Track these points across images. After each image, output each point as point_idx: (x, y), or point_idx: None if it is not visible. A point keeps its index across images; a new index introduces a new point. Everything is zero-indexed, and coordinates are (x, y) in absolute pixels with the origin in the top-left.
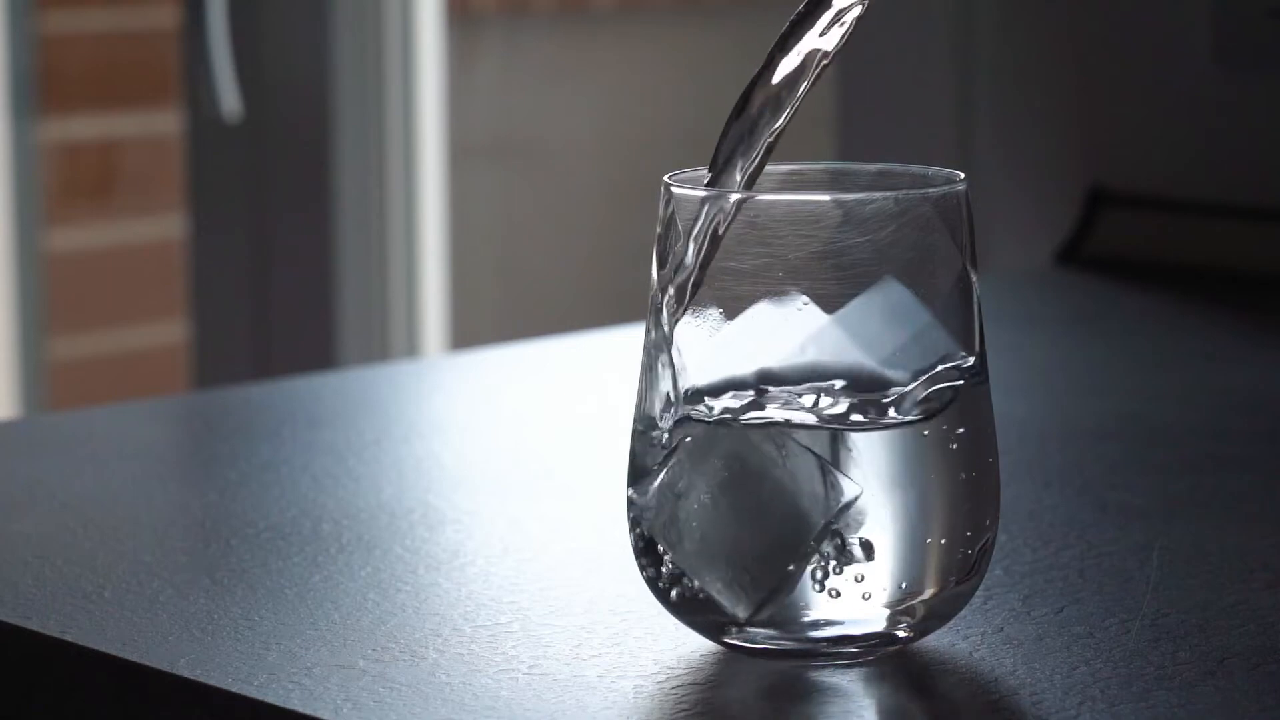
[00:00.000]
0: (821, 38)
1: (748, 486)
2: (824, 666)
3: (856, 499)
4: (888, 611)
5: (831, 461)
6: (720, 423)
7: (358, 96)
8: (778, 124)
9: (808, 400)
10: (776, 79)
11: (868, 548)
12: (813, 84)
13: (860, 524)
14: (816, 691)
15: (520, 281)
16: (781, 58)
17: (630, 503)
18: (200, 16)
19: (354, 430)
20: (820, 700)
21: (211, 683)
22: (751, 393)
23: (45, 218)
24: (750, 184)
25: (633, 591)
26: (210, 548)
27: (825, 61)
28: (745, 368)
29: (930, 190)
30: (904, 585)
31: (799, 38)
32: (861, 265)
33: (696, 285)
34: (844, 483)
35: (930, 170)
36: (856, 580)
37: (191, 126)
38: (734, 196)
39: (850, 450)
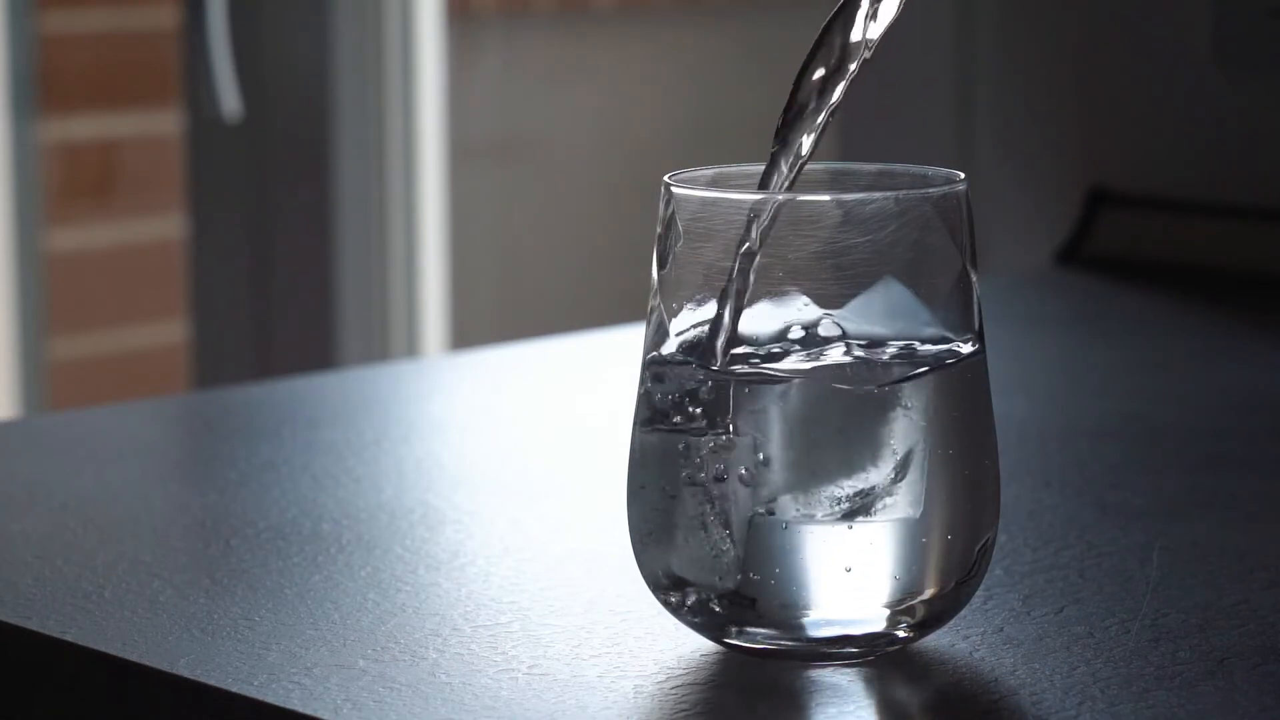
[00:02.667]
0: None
1: None
2: (824, 666)
3: None
4: (888, 611)
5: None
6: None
7: (358, 96)
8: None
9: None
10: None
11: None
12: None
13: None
14: (816, 691)
15: (520, 281)
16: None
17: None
18: (200, 16)
19: (354, 430)
20: (820, 700)
21: (211, 683)
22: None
23: (45, 218)
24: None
25: (633, 591)
26: (210, 548)
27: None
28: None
29: (930, 190)
30: (904, 585)
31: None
32: (861, 265)
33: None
34: None
35: (930, 170)
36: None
37: (191, 126)
38: (744, 197)
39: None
